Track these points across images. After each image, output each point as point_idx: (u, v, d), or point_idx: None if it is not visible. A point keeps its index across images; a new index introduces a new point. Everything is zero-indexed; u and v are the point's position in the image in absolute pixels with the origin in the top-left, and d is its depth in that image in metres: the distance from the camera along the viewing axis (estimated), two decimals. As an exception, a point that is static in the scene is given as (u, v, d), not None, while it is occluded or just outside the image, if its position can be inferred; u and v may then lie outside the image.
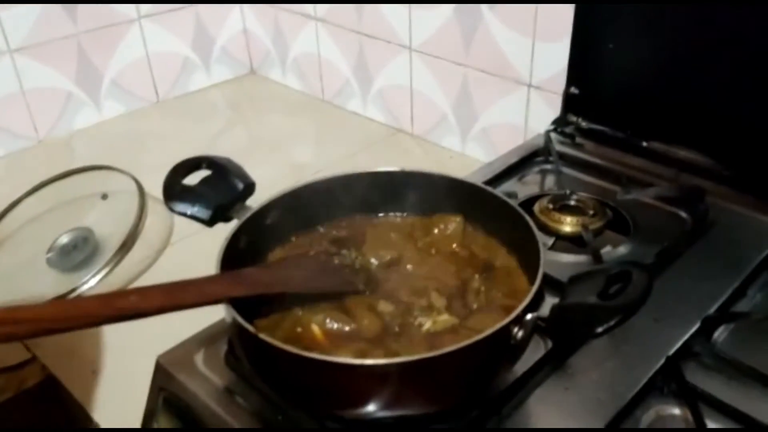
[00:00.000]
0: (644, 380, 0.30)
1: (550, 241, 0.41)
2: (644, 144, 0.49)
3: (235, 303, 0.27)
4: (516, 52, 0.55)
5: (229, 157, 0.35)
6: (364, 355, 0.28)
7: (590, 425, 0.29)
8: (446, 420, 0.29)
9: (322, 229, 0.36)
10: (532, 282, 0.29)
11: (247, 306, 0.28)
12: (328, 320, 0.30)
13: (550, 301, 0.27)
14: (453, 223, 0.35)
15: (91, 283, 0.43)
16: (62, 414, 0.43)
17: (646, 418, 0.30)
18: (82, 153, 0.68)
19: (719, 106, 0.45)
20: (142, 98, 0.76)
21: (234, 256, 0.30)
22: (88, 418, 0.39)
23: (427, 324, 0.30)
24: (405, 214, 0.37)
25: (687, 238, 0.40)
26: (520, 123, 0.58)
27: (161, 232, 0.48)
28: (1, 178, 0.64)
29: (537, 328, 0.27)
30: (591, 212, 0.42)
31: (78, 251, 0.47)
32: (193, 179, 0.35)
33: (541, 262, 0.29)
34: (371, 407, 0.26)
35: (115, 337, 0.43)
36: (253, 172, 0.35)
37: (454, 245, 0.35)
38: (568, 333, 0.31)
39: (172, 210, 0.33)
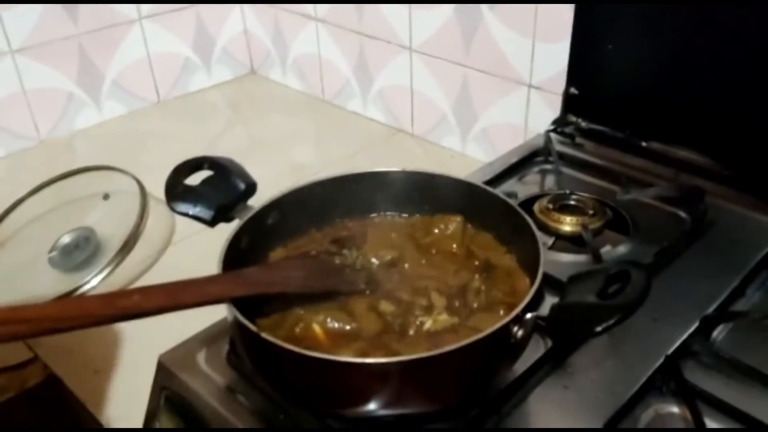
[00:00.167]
0: (643, 379, 0.31)
1: (550, 240, 0.41)
2: (644, 144, 0.49)
3: (236, 302, 0.28)
4: (516, 52, 0.56)
5: (231, 158, 0.35)
6: (365, 355, 0.28)
7: (590, 424, 0.29)
8: (446, 419, 0.29)
9: (323, 229, 0.36)
10: (532, 281, 0.29)
11: (248, 306, 0.28)
12: (329, 320, 0.30)
13: (549, 301, 0.27)
14: (453, 223, 0.35)
15: (93, 282, 0.43)
16: (64, 413, 0.43)
17: (645, 417, 0.30)
18: (83, 153, 0.68)
19: (719, 106, 0.45)
20: (143, 98, 0.76)
21: (235, 256, 0.31)
22: (90, 418, 0.39)
23: (428, 323, 0.30)
24: (405, 214, 0.37)
25: (686, 238, 0.40)
26: (520, 123, 0.59)
27: (163, 232, 0.49)
28: (2, 179, 0.64)
29: (537, 328, 0.27)
30: (591, 212, 0.43)
31: (80, 251, 0.47)
32: (194, 179, 0.35)
33: (541, 261, 0.29)
34: (372, 406, 0.26)
35: (117, 336, 0.43)
36: (254, 172, 0.35)
37: (455, 245, 0.35)
38: (567, 332, 0.31)
39: (174, 210, 0.34)
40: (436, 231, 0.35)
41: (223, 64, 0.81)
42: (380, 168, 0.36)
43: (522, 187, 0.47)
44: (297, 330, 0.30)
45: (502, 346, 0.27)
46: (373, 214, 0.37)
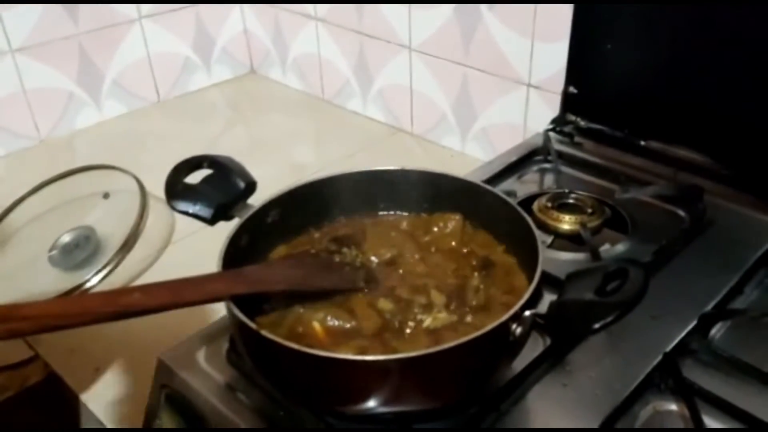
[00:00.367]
0: (642, 376, 0.31)
1: (549, 239, 0.42)
2: (642, 143, 0.49)
3: (236, 300, 0.28)
4: (515, 51, 0.56)
5: (231, 157, 0.36)
6: (364, 352, 0.28)
7: (588, 421, 0.29)
8: (445, 416, 0.29)
9: (322, 228, 0.36)
10: (530, 280, 0.29)
11: (248, 304, 0.28)
12: (328, 318, 0.30)
13: (548, 299, 0.28)
14: (452, 222, 0.35)
15: (94, 281, 0.43)
16: (65, 412, 0.43)
17: (644, 414, 0.30)
18: (83, 152, 0.68)
19: (717, 106, 0.45)
20: (143, 98, 0.76)
21: (235, 255, 0.31)
22: (90, 416, 0.39)
23: (427, 321, 0.30)
24: (405, 213, 0.37)
25: (685, 237, 0.40)
26: (519, 122, 0.59)
27: (162, 230, 0.49)
28: (2, 178, 0.64)
29: (535, 325, 0.28)
30: (589, 211, 0.43)
31: (80, 250, 0.47)
32: (194, 178, 0.35)
33: (540, 259, 0.29)
34: (371, 403, 0.27)
35: (118, 334, 0.43)
36: (254, 171, 0.35)
37: (454, 243, 0.35)
38: (565, 329, 0.31)
39: (174, 208, 0.34)
40: (436, 229, 0.35)
41: (223, 63, 0.81)
42: (380, 167, 0.36)
43: (521, 186, 0.48)
44: (297, 328, 0.30)
45: (500, 343, 0.27)
46: (373, 213, 0.37)
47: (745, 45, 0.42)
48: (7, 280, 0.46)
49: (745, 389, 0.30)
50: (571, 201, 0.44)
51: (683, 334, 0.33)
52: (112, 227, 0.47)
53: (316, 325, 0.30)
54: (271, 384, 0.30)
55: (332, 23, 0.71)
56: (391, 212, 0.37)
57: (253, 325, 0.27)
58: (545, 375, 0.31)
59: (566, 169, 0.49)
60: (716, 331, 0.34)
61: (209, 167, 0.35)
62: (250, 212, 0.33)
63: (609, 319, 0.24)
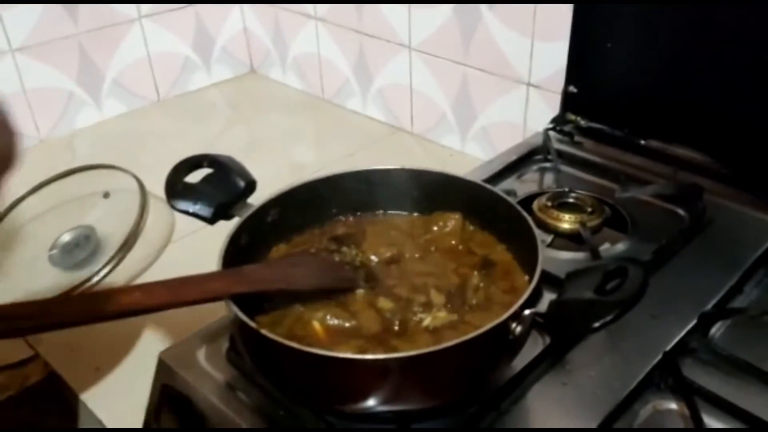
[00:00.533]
0: (641, 375, 0.31)
1: (549, 238, 0.42)
2: (642, 142, 0.49)
3: (236, 300, 0.28)
4: (515, 51, 0.56)
5: (231, 156, 0.36)
6: (364, 351, 0.28)
7: (588, 420, 0.29)
8: (445, 415, 0.29)
9: (322, 227, 0.36)
10: (530, 279, 0.29)
11: (248, 303, 0.28)
12: (328, 317, 0.30)
13: (548, 298, 0.28)
14: (452, 221, 0.35)
15: (94, 280, 0.43)
16: (65, 411, 0.43)
17: (644, 413, 0.30)
18: (83, 152, 0.68)
19: (717, 105, 0.45)
20: (143, 97, 0.76)
21: (235, 254, 0.31)
22: (90, 416, 0.39)
23: (427, 320, 0.30)
24: (405, 212, 0.37)
25: (684, 236, 0.40)
26: (519, 121, 0.59)
27: (163, 230, 0.49)
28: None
29: (535, 324, 0.28)
30: (589, 210, 0.43)
31: (80, 249, 0.47)
32: (194, 177, 0.35)
33: (539, 258, 0.29)
34: (371, 402, 0.27)
35: (118, 333, 0.43)
36: (254, 170, 0.35)
37: (453, 242, 0.35)
38: (565, 328, 0.31)
39: (174, 208, 0.34)
40: (435, 228, 0.35)
41: (223, 63, 0.81)
42: (380, 166, 0.36)
43: (521, 185, 0.48)
44: (296, 327, 0.30)
45: (500, 342, 0.27)
46: (373, 212, 0.37)
47: (744, 44, 0.42)
48: (8, 280, 0.46)
49: (745, 388, 0.30)
50: (570, 200, 0.44)
51: (683, 333, 0.33)
52: (112, 226, 0.47)
53: (316, 324, 0.30)
54: (271, 383, 0.30)
55: (332, 23, 0.71)
56: (391, 211, 0.37)
57: (253, 324, 0.27)
58: (545, 374, 0.31)
59: (566, 169, 0.49)
60: (716, 330, 0.34)
61: (209, 166, 0.35)
62: (250, 211, 0.33)
63: (608, 318, 0.24)
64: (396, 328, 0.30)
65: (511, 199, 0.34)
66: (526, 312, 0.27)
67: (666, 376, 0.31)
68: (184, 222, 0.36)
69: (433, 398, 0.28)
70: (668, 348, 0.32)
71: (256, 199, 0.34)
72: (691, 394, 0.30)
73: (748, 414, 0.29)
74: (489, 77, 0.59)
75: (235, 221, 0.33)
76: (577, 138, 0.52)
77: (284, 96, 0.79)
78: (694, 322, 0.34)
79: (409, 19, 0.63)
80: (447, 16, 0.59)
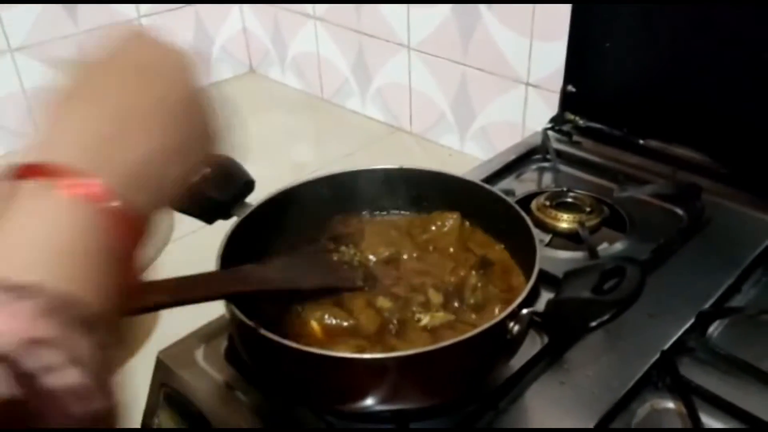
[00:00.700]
0: (639, 375, 0.31)
1: (547, 237, 0.42)
2: (641, 142, 0.49)
3: (235, 299, 0.28)
4: (514, 50, 0.56)
5: (229, 155, 0.36)
6: (362, 350, 0.28)
7: (585, 419, 0.29)
8: (444, 414, 0.29)
9: (320, 227, 0.36)
10: (528, 278, 0.29)
11: (247, 302, 0.28)
12: (326, 316, 0.30)
13: (546, 297, 0.28)
14: (450, 220, 0.35)
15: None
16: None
17: (641, 412, 0.30)
18: (82, 152, 0.68)
19: (716, 105, 0.45)
20: (142, 97, 0.76)
21: (234, 253, 0.31)
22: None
23: (425, 320, 0.30)
24: (403, 212, 0.37)
25: (683, 235, 0.40)
26: (518, 121, 0.59)
27: (162, 230, 0.49)
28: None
29: (533, 323, 0.28)
30: (588, 209, 0.43)
31: (79, 249, 0.47)
32: (192, 177, 0.35)
33: (537, 258, 0.29)
34: (369, 401, 0.27)
35: (117, 334, 0.43)
36: (253, 170, 0.35)
37: (452, 242, 0.35)
38: (562, 327, 0.31)
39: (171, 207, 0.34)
40: (434, 228, 0.35)
41: (222, 62, 0.81)
42: (378, 166, 0.36)
43: (519, 185, 0.48)
44: (295, 326, 0.30)
45: (498, 341, 0.27)
46: (371, 212, 0.37)
47: (744, 44, 0.42)
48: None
49: (742, 387, 0.30)
50: (569, 200, 0.44)
51: (681, 332, 0.33)
52: (111, 226, 0.47)
53: (315, 324, 0.30)
54: (269, 382, 0.30)
55: (331, 22, 0.71)
56: (390, 211, 0.37)
57: (251, 323, 0.27)
58: (543, 373, 0.31)
59: (565, 168, 0.49)
60: (714, 329, 0.34)
61: (207, 166, 0.35)
62: (248, 211, 0.33)
63: (605, 317, 0.24)
64: (394, 327, 0.30)
65: (510, 199, 0.34)
66: (524, 311, 0.27)
67: (664, 375, 0.31)
68: (182, 222, 0.36)
69: (431, 397, 0.28)
70: (666, 347, 0.32)
71: (254, 199, 0.34)
72: (688, 394, 0.30)
73: (746, 413, 0.29)
74: (488, 77, 0.59)
75: (234, 221, 0.33)
76: (575, 137, 0.52)
77: (283, 95, 0.79)
78: (692, 321, 0.34)
79: (408, 19, 0.63)
80: (446, 15, 0.59)
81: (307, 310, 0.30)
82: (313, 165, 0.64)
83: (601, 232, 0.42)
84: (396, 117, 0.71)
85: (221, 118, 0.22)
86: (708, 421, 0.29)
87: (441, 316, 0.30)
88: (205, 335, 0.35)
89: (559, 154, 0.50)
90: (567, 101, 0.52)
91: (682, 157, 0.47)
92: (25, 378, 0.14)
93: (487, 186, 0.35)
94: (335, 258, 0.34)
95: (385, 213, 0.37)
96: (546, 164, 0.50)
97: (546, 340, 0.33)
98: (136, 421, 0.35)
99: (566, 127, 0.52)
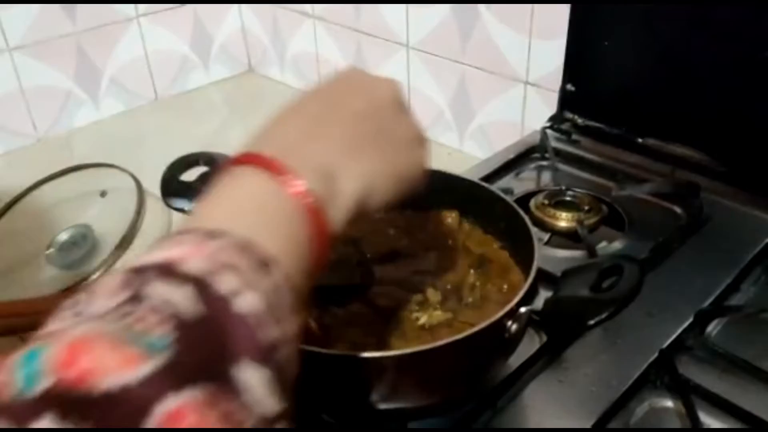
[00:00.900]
0: (638, 373, 0.31)
1: (546, 236, 0.42)
2: (640, 140, 0.49)
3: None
4: (513, 49, 0.56)
5: (227, 154, 0.35)
6: (359, 349, 0.28)
7: (584, 418, 0.29)
8: (441, 413, 0.29)
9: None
10: (526, 277, 0.29)
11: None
12: (323, 314, 0.30)
13: (545, 296, 0.28)
14: (449, 219, 0.35)
15: (91, 279, 0.43)
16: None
17: (640, 411, 0.30)
18: (80, 151, 0.68)
19: (715, 103, 0.45)
20: (141, 96, 0.76)
21: (231, 252, 0.31)
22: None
23: (423, 318, 0.30)
24: (401, 210, 0.37)
25: (681, 234, 0.40)
26: (517, 120, 0.59)
27: (160, 228, 0.49)
28: (0, 176, 0.64)
29: (531, 322, 0.27)
30: (586, 208, 0.43)
31: (77, 248, 0.47)
32: (190, 176, 0.35)
33: (536, 256, 0.29)
34: (367, 400, 0.26)
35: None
36: (251, 168, 0.35)
37: (450, 241, 0.35)
38: (561, 326, 0.31)
39: (169, 206, 0.34)
40: (432, 227, 0.35)
41: (221, 62, 0.81)
42: (376, 164, 0.36)
43: (518, 184, 0.48)
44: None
45: (496, 340, 0.27)
46: (369, 210, 0.37)
47: (742, 42, 0.42)
48: (4, 279, 0.46)
49: (741, 386, 0.30)
50: (568, 198, 0.44)
51: (679, 330, 0.33)
52: (109, 225, 0.47)
53: (311, 322, 0.30)
54: (267, 381, 0.30)
55: (330, 21, 0.71)
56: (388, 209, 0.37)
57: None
58: (541, 372, 0.31)
59: (563, 167, 0.49)
60: (713, 328, 0.34)
61: (205, 165, 0.35)
62: (246, 209, 0.33)
63: (603, 315, 0.24)
64: (392, 326, 0.30)
65: (508, 198, 0.34)
66: (522, 310, 0.26)
67: (662, 374, 0.31)
68: (180, 221, 0.36)
69: (429, 396, 0.28)
70: (665, 346, 0.32)
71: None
72: (687, 392, 0.30)
73: (745, 412, 0.29)
74: (487, 76, 0.59)
75: (231, 219, 0.33)
76: (574, 136, 0.52)
77: (282, 94, 0.79)
78: (690, 319, 0.34)
79: (406, 18, 0.63)
80: (445, 14, 0.59)
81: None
82: (312, 164, 0.64)
83: (599, 231, 0.42)
84: (395, 116, 0.70)
85: (428, 153, 0.24)
86: (707, 420, 0.29)
87: (439, 315, 0.30)
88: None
89: (558, 152, 0.50)
90: (566, 100, 0.52)
91: (680, 156, 0.47)
92: (215, 300, 0.15)
93: (485, 184, 0.35)
94: (333, 256, 0.34)
95: (383, 211, 0.37)
96: (545, 163, 0.50)
97: (544, 338, 0.33)
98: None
99: (565, 126, 0.52)
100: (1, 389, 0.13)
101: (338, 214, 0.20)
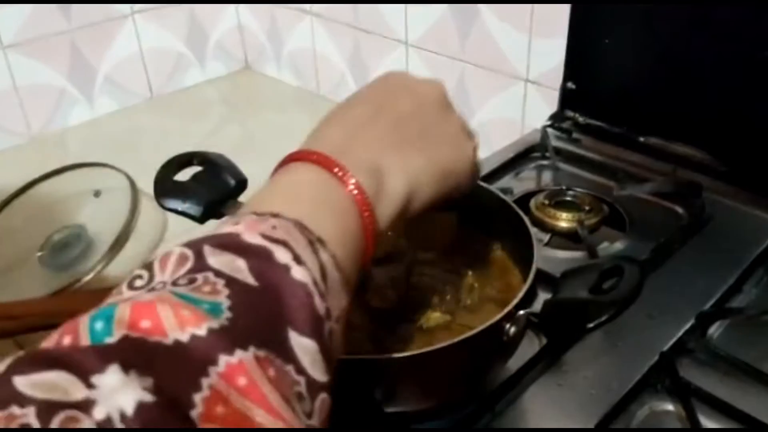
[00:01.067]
0: (638, 376, 0.30)
1: (546, 237, 0.41)
2: (641, 139, 0.48)
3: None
4: (512, 46, 0.55)
5: (222, 153, 0.35)
6: (356, 352, 0.27)
7: (584, 421, 0.29)
8: (440, 416, 0.29)
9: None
10: (526, 278, 0.28)
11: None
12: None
13: (544, 297, 0.27)
14: (447, 220, 0.35)
15: (84, 280, 0.42)
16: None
17: (640, 415, 0.30)
18: (75, 150, 0.67)
19: (716, 102, 0.44)
20: (136, 94, 0.75)
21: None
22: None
23: (420, 321, 0.30)
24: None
25: (683, 234, 0.40)
26: (517, 118, 0.58)
27: (154, 228, 0.48)
28: (-6, 175, 0.64)
29: (530, 324, 0.27)
30: (587, 208, 0.42)
31: (71, 248, 0.47)
32: (185, 175, 0.34)
33: (535, 258, 0.28)
34: (364, 403, 0.26)
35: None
36: (248, 168, 0.35)
37: (448, 242, 0.34)
38: (560, 328, 0.31)
39: (162, 206, 0.33)
40: (430, 228, 0.35)
41: (217, 59, 0.80)
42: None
43: (518, 183, 0.47)
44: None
45: (494, 343, 0.26)
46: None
47: (743, 42, 0.41)
48: (-2, 279, 0.46)
49: (743, 388, 0.30)
50: (568, 198, 0.44)
51: (681, 333, 0.33)
52: (103, 225, 0.46)
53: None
54: (261, 385, 0.29)
55: (327, 18, 0.70)
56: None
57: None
58: (541, 375, 0.31)
59: (564, 166, 0.49)
60: (714, 330, 0.34)
61: (199, 164, 0.34)
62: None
63: (603, 317, 0.24)
64: (389, 328, 0.29)
65: (508, 198, 0.33)
66: (520, 313, 0.26)
67: (663, 377, 0.30)
68: (175, 221, 0.35)
69: (427, 399, 0.27)
70: (665, 348, 0.32)
71: (247, 198, 0.34)
72: (688, 396, 0.29)
73: (747, 416, 0.28)
74: (486, 73, 0.58)
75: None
76: (575, 135, 0.51)
77: (279, 92, 0.78)
78: (692, 322, 0.33)
79: (405, 15, 0.62)
80: (443, 11, 0.58)
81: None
82: (310, 163, 0.64)
83: (600, 231, 0.42)
84: (393, 114, 0.70)
85: (476, 150, 0.25)
86: (708, 423, 0.29)
87: (437, 317, 0.30)
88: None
89: (559, 151, 0.50)
90: (567, 98, 0.52)
91: (682, 155, 0.46)
92: (273, 269, 0.16)
93: (484, 185, 0.35)
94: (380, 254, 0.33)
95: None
96: (545, 162, 0.50)
97: (544, 341, 0.32)
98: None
99: (566, 125, 0.52)
100: (71, 344, 0.13)
101: (386, 211, 0.21)
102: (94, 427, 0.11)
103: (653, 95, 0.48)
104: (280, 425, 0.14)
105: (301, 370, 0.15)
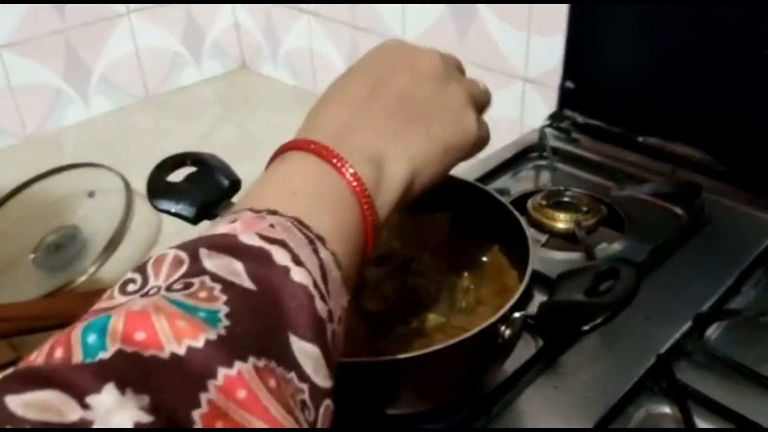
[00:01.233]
0: (635, 379, 0.30)
1: (544, 238, 0.41)
2: (640, 139, 0.48)
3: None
4: (511, 45, 0.55)
5: (216, 154, 0.35)
6: (351, 354, 0.27)
7: (580, 424, 0.28)
8: (436, 419, 0.29)
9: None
10: (521, 280, 0.28)
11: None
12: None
13: (540, 299, 0.27)
14: (443, 221, 0.35)
15: (79, 281, 0.42)
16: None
17: (637, 417, 0.29)
18: (70, 150, 0.67)
19: (715, 102, 0.44)
20: (132, 94, 0.75)
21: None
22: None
23: (416, 323, 0.29)
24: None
25: (682, 235, 0.39)
26: (515, 118, 0.58)
27: (148, 230, 0.48)
28: (-12, 175, 0.63)
29: (527, 327, 0.27)
30: (585, 209, 0.42)
31: (65, 249, 0.46)
32: (178, 176, 0.34)
33: (530, 259, 0.28)
34: (359, 406, 0.26)
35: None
36: (245, 168, 0.34)
37: (444, 243, 0.34)
38: (555, 330, 0.30)
39: (155, 207, 0.33)
40: (425, 229, 0.34)
41: (214, 58, 0.80)
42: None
43: (516, 184, 0.47)
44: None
45: (489, 345, 0.26)
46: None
47: (742, 41, 0.41)
48: (-9, 281, 0.45)
49: (740, 391, 0.30)
50: (566, 199, 0.43)
51: (678, 335, 0.32)
52: (97, 226, 0.46)
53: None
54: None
55: (324, 17, 0.70)
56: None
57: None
58: (537, 377, 0.31)
59: (562, 166, 0.49)
60: (712, 332, 0.33)
61: (192, 165, 0.34)
62: (234, 211, 0.32)
63: (599, 320, 0.23)
64: (384, 330, 0.29)
65: (504, 199, 0.33)
66: (516, 315, 0.26)
67: (660, 380, 0.30)
68: (169, 222, 0.35)
69: (422, 402, 0.27)
70: (662, 350, 0.31)
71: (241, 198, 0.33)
72: (684, 398, 0.29)
73: (744, 418, 0.28)
74: (484, 72, 0.58)
75: (219, 221, 0.32)
76: (573, 135, 0.51)
77: (276, 92, 0.78)
78: (689, 324, 0.33)
79: (403, 14, 0.62)
80: (441, 10, 0.58)
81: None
82: (307, 163, 0.63)
83: (599, 232, 0.41)
84: (391, 114, 0.70)
85: (479, 115, 0.25)
86: (705, 425, 0.28)
87: (432, 319, 0.30)
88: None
89: (557, 151, 0.49)
90: (565, 98, 0.51)
91: (681, 155, 0.46)
92: (271, 272, 0.15)
93: (480, 185, 0.34)
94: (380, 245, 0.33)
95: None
96: (543, 162, 0.49)
97: (540, 343, 0.32)
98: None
99: (565, 125, 0.51)
100: (63, 358, 0.13)
101: (387, 199, 0.20)
102: None
103: (652, 95, 0.47)
104: None
105: (304, 377, 0.15)
